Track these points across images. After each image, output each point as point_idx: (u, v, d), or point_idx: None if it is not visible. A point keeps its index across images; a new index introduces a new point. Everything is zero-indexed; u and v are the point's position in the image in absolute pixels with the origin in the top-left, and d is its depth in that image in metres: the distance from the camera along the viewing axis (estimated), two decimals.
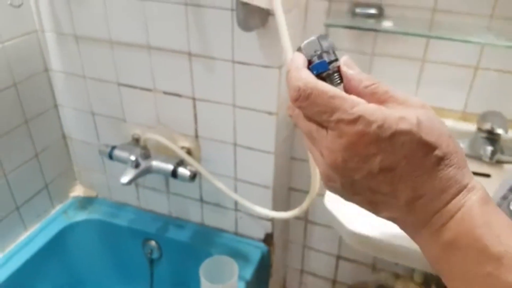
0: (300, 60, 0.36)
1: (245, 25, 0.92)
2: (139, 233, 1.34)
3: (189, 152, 1.20)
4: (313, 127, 0.34)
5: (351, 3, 1.02)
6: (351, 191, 0.34)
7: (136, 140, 1.23)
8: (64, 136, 1.36)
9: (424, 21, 0.99)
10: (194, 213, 1.34)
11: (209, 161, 1.21)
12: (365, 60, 1.08)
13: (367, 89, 0.34)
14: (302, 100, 0.33)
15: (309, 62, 0.36)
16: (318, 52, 0.36)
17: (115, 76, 1.18)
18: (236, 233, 1.32)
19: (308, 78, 0.34)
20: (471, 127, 1.03)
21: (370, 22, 1.01)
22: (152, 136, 1.18)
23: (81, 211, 1.39)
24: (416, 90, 1.07)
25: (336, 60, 0.36)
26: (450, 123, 1.07)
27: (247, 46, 1.00)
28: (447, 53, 1.02)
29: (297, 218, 1.39)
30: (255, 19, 0.93)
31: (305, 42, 0.37)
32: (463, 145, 1.05)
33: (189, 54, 1.06)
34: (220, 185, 1.18)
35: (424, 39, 1.02)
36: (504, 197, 0.42)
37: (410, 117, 0.31)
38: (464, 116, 1.06)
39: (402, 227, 0.35)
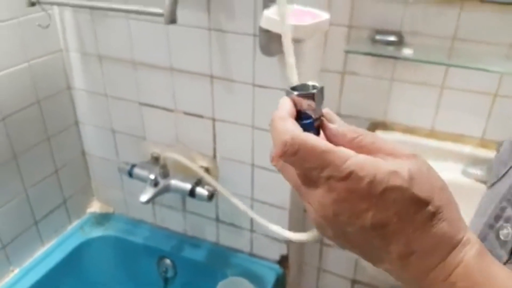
0: (286, 108, 0.34)
1: (267, 50, 0.94)
2: (154, 251, 1.34)
3: (207, 171, 1.21)
4: (300, 180, 0.33)
5: (371, 30, 1.04)
6: (343, 241, 0.33)
7: (155, 159, 1.25)
8: (83, 153, 1.38)
9: (443, 49, 1.00)
10: (209, 232, 1.34)
11: (227, 181, 1.22)
12: (384, 85, 1.09)
13: (353, 142, 0.32)
14: (290, 155, 0.31)
15: (298, 112, 0.34)
16: (312, 107, 0.34)
17: (136, 96, 1.20)
18: (251, 254, 1.32)
19: (296, 132, 0.31)
20: (490, 154, 1.03)
21: (390, 49, 1.02)
22: (171, 155, 1.20)
23: (97, 227, 1.41)
24: (435, 116, 1.08)
25: (322, 115, 0.35)
26: (468, 149, 1.07)
27: (268, 70, 1.02)
28: (466, 80, 1.02)
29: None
30: (276, 44, 0.94)
31: (300, 90, 0.34)
32: (481, 172, 1.05)
33: (211, 77, 1.08)
34: (239, 204, 1.18)
35: (443, 67, 1.03)
36: (491, 226, 0.40)
37: (401, 171, 0.30)
38: (483, 143, 1.06)
39: (398, 280, 0.34)
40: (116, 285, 1.41)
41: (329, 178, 0.30)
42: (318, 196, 0.32)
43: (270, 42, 0.92)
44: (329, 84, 1.13)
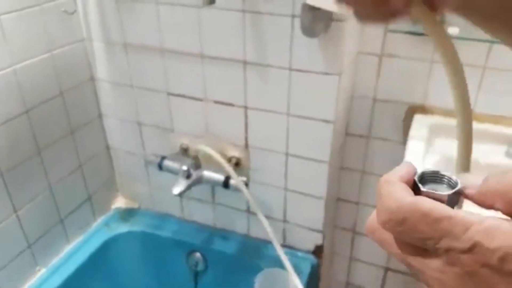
0: (400, 172, 0.29)
1: (310, 31, 0.90)
2: (183, 244, 1.31)
3: (238, 162, 1.17)
4: (410, 253, 0.28)
5: None
6: None
7: (184, 150, 1.20)
8: (107, 147, 1.34)
9: None
10: (240, 224, 1.31)
11: (259, 171, 1.18)
12: (424, 67, 1.05)
13: (506, 197, 0.26)
14: (395, 225, 0.27)
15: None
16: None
17: (164, 85, 1.16)
18: (283, 245, 1.28)
19: (403, 198, 0.27)
20: None
21: None
22: (201, 148, 1.16)
23: (123, 223, 1.37)
24: (476, 97, 1.05)
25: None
26: (510, 131, 1.04)
27: (306, 53, 0.98)
28: (509, 60, 0.99)
29: (344, 229, 1.36)
30: (320, 25, 0.91)
31: (427, 181, 0.28)
32: None
33: (244, 63, 1.04)
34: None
35: (486, 46, 0.99)
36: None
37: None
38: None
39: None
40: (145, 280, 1.37)
41: (448, 250, 0.25)
42: (437, 272, 0.26)
43: (314, 22, 0.88)
44: (366, 67, 1.10)
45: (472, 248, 0.24)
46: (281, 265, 1.20)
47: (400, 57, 1.06)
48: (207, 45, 1.06)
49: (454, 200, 0.28)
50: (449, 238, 0.25)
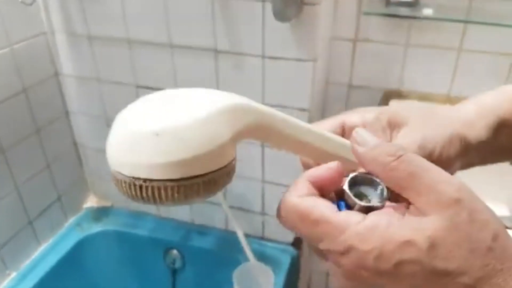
0: (312, 174, 0.29)
1: (283, 15, 0.87)
2: (160, 242, 1.27)
3: None
4: (313, 249, 0.29)
5: None
6: None
7: None
8: (75, 144, 1.28)
9: (461, 9, 0.95)
10: (218, 219, 1.27)
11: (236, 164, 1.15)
12: (399, 51, 1.03)
13: (386, 168, 0.27)
14: (282, 222, 0.28)
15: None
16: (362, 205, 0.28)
17: (133, 78, 1.11)
18: (262, 238, 1.26)
19: (287, 196, 0.28)
20: None
21: (406, 11, 0.97)
22: None
23: (95, 222, 1.32)
24: (452, 80, 1.04)
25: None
26: None
27: (279, 39, 0.95)
28: (484, 41, 0.98)
29: None
30: (292, 8, 0.88)
31: (355, 183, 0.29)
32: None
33: (215, 51, 1.01)
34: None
35: (461, 28, 0.98)
36: None
37: (418, 240, 0.24)
38: None
39: None
40: (122, 281, 1.33)
41: (328, 251, 0.26)
42: (331, 268, 0.28)
43: (285, 5, 0.84)
44: (340, 53, 1.08)
45: (348, 251, 0.25)
46: (262, 258, 1.18)
47: (375, 42, 1.04)
48: (176, 34, 1.02)
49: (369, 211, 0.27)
50: (326, 241, 0.26)
